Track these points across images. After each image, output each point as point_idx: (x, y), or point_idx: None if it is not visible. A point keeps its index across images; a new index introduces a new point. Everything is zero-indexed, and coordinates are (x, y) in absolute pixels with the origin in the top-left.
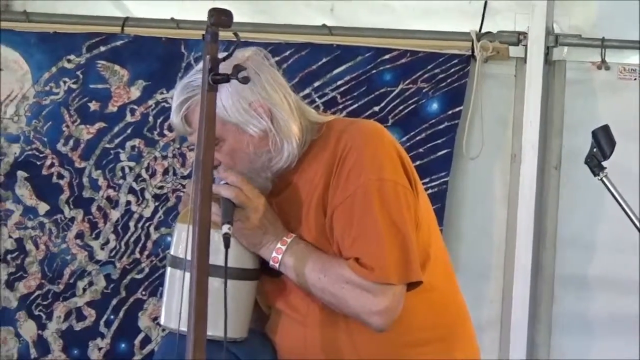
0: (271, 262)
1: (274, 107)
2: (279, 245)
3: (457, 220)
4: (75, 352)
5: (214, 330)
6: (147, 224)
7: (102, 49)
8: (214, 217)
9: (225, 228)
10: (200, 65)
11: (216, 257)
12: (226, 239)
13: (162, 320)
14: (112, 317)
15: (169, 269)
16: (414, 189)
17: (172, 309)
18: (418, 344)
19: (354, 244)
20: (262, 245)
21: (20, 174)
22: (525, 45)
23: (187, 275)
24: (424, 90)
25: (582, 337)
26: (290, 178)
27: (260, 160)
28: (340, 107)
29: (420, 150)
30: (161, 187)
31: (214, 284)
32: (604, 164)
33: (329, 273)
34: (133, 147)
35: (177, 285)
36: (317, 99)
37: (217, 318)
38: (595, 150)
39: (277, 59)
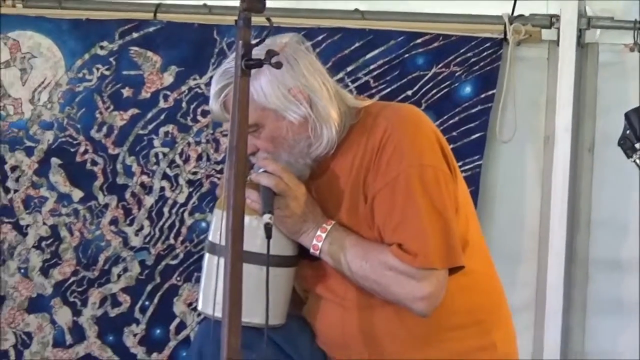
0: (311, 250)
1: (313, 93)
2: (318, 232)
3: (490, 204)
4: (111, 338)
5: (252, 317)
6: (181, 210)
7: (135, 35)
8: (253, 205)
9: (267, 218)
10: None
11: (254, 243)
12: (268, 229)
13: (200, 306)
14: (147, 303)
15: (207, 255)
16: (452, 174)
17: (209, 295)
18: (456, 327)
19: (397, 230)
20: (302, 232)
21: (54, 160)
22: (558, 28)
23: (223, 261)
24: (456, 74)
25: (616, 320)
26: (328, 163)
27: (299, 146)
28: (374, 91)
29: (454, 133)
30: (195, 173)
31: (252, 270)
32: (637, 145)
33: (370, 260)
34: (166, 133)
35: (214, 271)
36: (350, 84)
37: (254, 305)
38: (628, 132)
39: (309, 43)
